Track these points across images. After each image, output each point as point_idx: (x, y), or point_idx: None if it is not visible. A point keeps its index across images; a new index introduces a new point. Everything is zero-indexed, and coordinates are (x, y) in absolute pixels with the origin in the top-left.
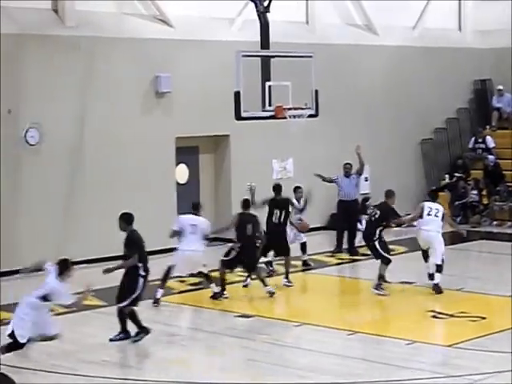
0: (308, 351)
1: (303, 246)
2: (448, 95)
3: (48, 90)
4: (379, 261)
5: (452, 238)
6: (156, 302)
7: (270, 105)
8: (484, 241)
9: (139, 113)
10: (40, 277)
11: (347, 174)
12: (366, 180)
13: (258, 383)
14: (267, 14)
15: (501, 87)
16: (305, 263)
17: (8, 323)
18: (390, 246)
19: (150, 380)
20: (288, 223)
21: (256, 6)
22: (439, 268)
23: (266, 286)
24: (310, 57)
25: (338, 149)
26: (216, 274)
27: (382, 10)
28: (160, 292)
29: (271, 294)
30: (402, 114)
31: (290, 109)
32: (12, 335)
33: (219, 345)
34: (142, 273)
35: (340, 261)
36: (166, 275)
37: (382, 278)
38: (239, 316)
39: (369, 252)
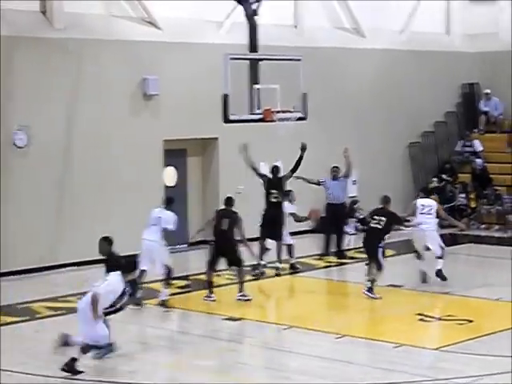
0: (296, 354)
1: (290, 249)
2: (436, 99)
3: (36, 92)
4: (374, 266)
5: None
6: (163, 305)
7: (258, 108)
8: (472, 244)
9: (127, 115)
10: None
11: (335, 177)
12: (354, 183)
13: None
14: (255, 17)
15: (488, 91)
16: (292, 266)
17: None
18: None
19: (138, 383)
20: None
21: (244, 9)
22: (440, 257)
23: (240, 291)
24: (299, 60)
25: (327, 152)
26: (203, 277)
27: (370, 13)
28: (164, 293)
29: (244, 300)
30: (390, 117)
31: (278, 112)
32: None
33: (207, 348)
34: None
35: (328, 264)
36: (168, 275)
37: (374, 281)
38: (227, 319)
39: (357, 255)
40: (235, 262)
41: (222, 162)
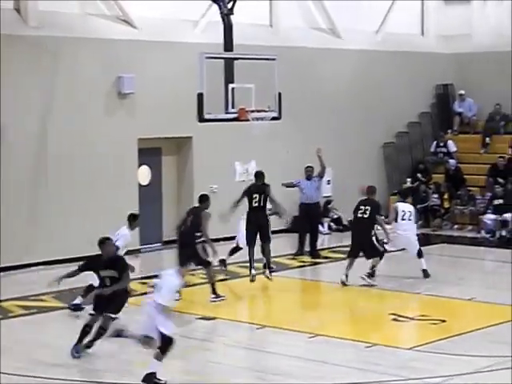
0: (270, 354)
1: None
2: (410, 99)
3: (10, 89)
4: (372, 255)
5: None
6: None
7: (233, 107)
8: (445, 244)
9: (102, 113)
10: None
11: (309, 177)
12: (329, 183)
13: None
14: (231, 16)
15: (462, 92)
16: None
17: None
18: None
19: (112, 382)
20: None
21: (220, 8)
22: (420, 254)
23: (213, 293)
24: (274, 59)
25: (301, 151)
26: None
27: (345, 14)
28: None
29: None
30: (365, 117)
31: (253, 111)
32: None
33: (181, 347)
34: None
35: (302, 263)
36: None
37: (373, 267)
38: (201, 318)
39: (331, 255)
40: (201, 262)
41: (196, 161)
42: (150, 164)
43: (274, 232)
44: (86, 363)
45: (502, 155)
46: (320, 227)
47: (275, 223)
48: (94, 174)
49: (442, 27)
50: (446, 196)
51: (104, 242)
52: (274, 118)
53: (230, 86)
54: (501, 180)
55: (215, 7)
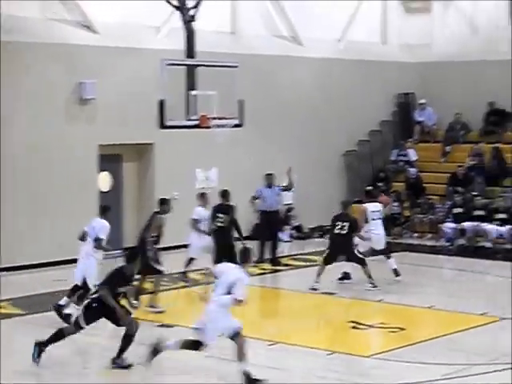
0: (229, 361)
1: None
2: (372, 108)
3: None
4: (360, 266)
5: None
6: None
7: (194, 114)
8: (405, 252)
9: (63, 119)
10: None
11: (269, 185)
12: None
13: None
14: (193, 22)
15: (423, 101)
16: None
17: None
18: (312, 257)
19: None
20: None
21: (182, 15)
22: (389, 255)
23: (135, 300)
24: (236, 67)
25: (263, 159)
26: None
27: (307, 22)
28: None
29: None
30: (326, 125)
31: (214, 118)
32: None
33: (139, 355)
34: None
35: (262, 271)
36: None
37: (370, 276)
38: (160, 326)
39: (291, 263)
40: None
41: (157, 167)
42: (111, 170)
43: (235, 239)
44: (38, 369)
45: (462, 164)
46: (281, 235)
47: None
48: (54, 179)
49: (403, 36)
50: (406, 204)
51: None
52: (235, 126)
53: (192, 92)
54: (460, 189)
55: (178, 14)
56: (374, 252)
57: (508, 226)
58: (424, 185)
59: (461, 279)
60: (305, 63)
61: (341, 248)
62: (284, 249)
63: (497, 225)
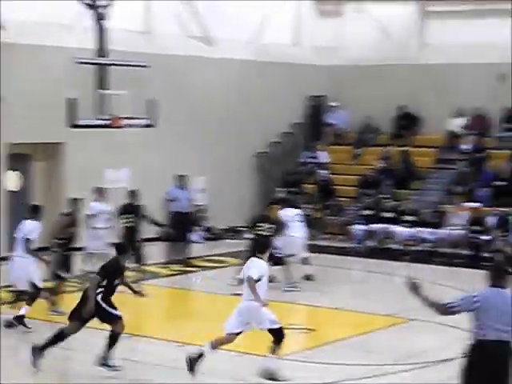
0: (138, 363)
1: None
2: (283, 110)
3: None
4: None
5: None
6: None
7: (105, 113)
8: (315, 254)
9: None
10: None
11: (181, 186)
12: (202, 192)
13: None
14: (105, 21)
15: (334, 104)
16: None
17: None
18: (222, 258)
19: None
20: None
21: (94, 14)
22: (306, 261)
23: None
24: (148, 66)
25: (174, 159)
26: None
27: (220, 23)
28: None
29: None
30: (239, 126)
31: (125, 118)
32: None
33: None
34: None
35: (173, 272)
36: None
37: (290, 277)
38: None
39: (202, 264)
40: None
41: (68, 167)
42: (20, 170)
43: (147, 240)
44: None
45: (372, 167)
46: (192, 236)
47: (147, 231)
48: None
49: (315, 39)
50: (316, 206)
51: None
52: (147, 126)
53: (103, 92)
54: (370, 191)
55: (89, 12)
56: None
57: (416, 228)
58: (334, 187)
59: (369, 280)
60: (217, 64)
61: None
62: (195, 250)
63: (405, 227)
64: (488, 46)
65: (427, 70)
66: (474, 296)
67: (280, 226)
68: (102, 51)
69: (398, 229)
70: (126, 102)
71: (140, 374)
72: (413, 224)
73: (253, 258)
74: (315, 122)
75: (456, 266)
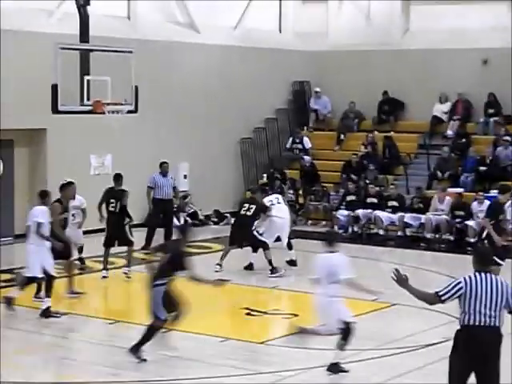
0: (121, 349)
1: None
2: (267, 95)
3: None
4: (262, 249)
5: None
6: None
7: (88, 99)
8: (299, 239)
9: None
10: None
11: (163, 173)
12: (185, 177)
13: (69, 382)
14: (87, 7)
15: (318, 89)
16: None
17: None
18: (207, 244)
19: None
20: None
21: None
22: (290, 246)
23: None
24: (130, 52)
25: (158, 145)
26: None
27: (204, 9)
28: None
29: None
30: (223, 112)
31: (108, 104)
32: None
33: (32, 343)
34: None
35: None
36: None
37: (270, 261)
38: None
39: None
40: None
41: (50, 153)
42: (2, 156)
43: (136, 226)
44: None
45: (356, 152)
46: (176, 221)
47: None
48: None
49: (299, 25)
50: (300, 192)
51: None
52: (130, 111)
53: (86, 77)
54: (354, 177)
55: None
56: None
57: (399, 214)
58: (318, 172)
59: (353, 266)
60: (201, 50)
61: (244, 229)
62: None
63: (389, 212)
64: (471, 32)
65: (410, 56)
66: (459, 282)
67: (265, 210)
68: (84, 37)
69: (381, 214)
70: (108, 88)
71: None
72: (397, 209)
73: (328, 255)
74: (299, 108)
75: (439, 251)
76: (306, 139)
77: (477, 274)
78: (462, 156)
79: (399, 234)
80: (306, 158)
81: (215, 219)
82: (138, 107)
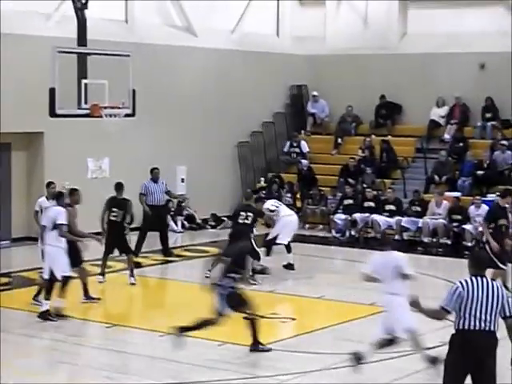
0: (118, 353)
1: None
2: (265, 99)
3: None
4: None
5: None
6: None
7: (85, 103)
8: (296, 243)
9: None
10: None
11: (155, 179)
12: (183, 181)
13: None
14: (85, 10)
15: (316, 93)
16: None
17: None
18: (204, 248)
19: None
20: None
21: (73, 2)
22: (289, 249)
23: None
24: (128, 56)
25: (155, 149)
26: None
27: (201, 12)
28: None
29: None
30: (220, 116)
31: (106, 107)
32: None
33: (29, 346)
34: None
35: (154, 262)
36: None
37: (254, 270)
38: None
39: (184, 253)
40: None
41: (47, 156)
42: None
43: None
44: None
45: (353, 156)
46: (173, 225)
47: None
48: None
49: (296, 29)
50: (298, 195)
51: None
52: (127, 115)
53: (83, 81)
54: (351, 180)
55: (69, 1)
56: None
57: (397, 218)
58: (316, 176)
59: (350, 270)
60: (198, 54)
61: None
62: (176, 240)
63: (386, 216)
64: (468, 36)
65: (408, 60)
66: (457, 287)
67: (262, 215)
68: (82, 40)
69: (379, 218)
70: (106, 92)
71: (122, 363)
72: (394, 213)
73: (394, 252)
74: (296, 112)
75: (437, 255)
76: (303, 143)
77: (473, 278)
78: (459, 160)
79: (396, 237)
80: (304, 161)
81: (212, 223)
82: (135, 111)
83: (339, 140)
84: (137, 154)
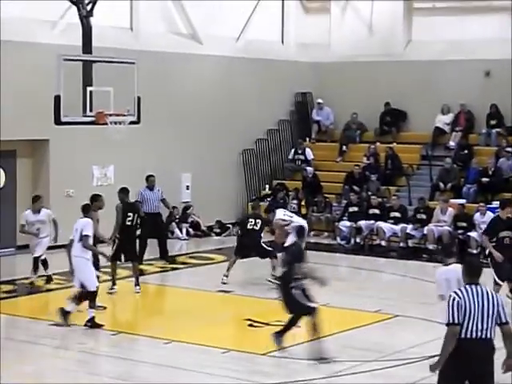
0: (123, 360)
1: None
2: (270, 106)
3: None
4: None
5: None
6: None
7: (90, 110)
8: None
9: None
10: None
11: (150, 187)
12: (188, 188)
13: None
14: (90, 18)
15: (320, 100)
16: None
17: None
18: (210, 255)
19: None
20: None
21: (79, 10)
22: None
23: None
24: (133, 63)
25: (160, 156)
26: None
27: (206, 20)
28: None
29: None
30: (225, 123)
31: (111, 115)
32: None
33: (33, 354)
34: None
35: (159, 269)
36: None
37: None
38: (54, 325)
39: (188, 261)
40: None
41: (52, 164)
42: (4, 166)
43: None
44: None
45: (358, 164)
46: (178, 232)
47: None
48: None
49: (301, 36)
50: (303, 203)
51: None
52: (132, 122)
53: (88, 88)
54: (356, 188)
55: (74, 8)
56: None
57: (402, 225)
58: (321, 183)
59: (355, 277)
60: (203, 61)
61: (252, 242)
62: (181, 247)
63: (391, 223)
64: (473, 43)
65: (413, 67)
66: (453, 298)
67: (269, 223)
68: (87, 48)
69: (384, 225)
70: (111, 99)
71: (126, 370)
72: (399, 220)
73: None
74: (301, 119)
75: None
76: (308, 150)
77: (467, 286)
78: (464, 167)
79: (401, 245)
80: (309, 169)
81: (218, 230)
82: (140, 118)
83: (344, 147)
84: (142, 161)
